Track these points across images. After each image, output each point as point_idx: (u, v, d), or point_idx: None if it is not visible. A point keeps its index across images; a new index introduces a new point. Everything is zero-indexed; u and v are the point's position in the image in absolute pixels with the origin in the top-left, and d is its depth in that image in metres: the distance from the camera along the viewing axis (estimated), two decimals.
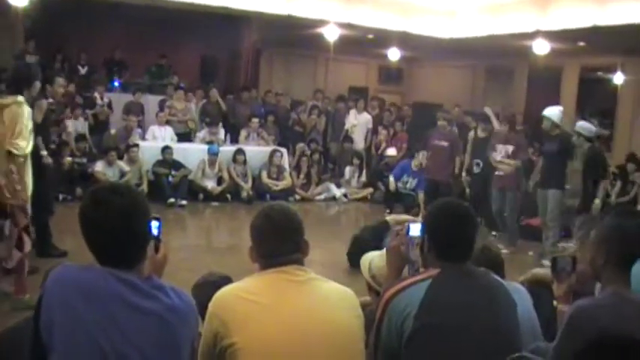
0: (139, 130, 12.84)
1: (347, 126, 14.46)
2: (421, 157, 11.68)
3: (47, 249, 7.05)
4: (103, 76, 15.35)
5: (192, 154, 12.23)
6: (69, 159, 10.87)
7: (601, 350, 1.69)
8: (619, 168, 11.62)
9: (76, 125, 12.26)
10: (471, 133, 10.95)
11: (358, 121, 14.39)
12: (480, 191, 10.14)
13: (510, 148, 9.53)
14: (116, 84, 15.04)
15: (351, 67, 18.39)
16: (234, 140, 13.40)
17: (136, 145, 11.57)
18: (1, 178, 5.47)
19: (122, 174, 11.11)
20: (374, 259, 3.48)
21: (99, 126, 13.13)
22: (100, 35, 15.93)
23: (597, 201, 8.26)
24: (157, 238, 2.46)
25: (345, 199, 13.23)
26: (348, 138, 14.23)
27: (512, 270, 3.95)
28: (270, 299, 2.36)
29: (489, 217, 9.87)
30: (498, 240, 9.78)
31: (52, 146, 9.21)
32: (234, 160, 12.34)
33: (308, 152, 13.58)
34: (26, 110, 5.58)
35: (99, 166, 11.06)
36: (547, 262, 7.69)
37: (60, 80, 8.38)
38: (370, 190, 13.48)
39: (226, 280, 3.23)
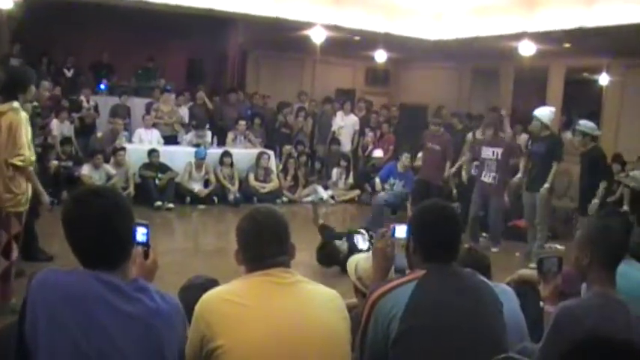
0: (126, 133, 12.79)
1: (334, 128, 14.46)
2: (404, 159, 11.73)
3: (33, 253, 6.99)
4: (90, 79, 15.31)
5: (178, 157, 12.19)
6: (55, 162, 10.82)
7: (587, 352, 1.69)
8: None
9: (61, 128, 12.19)
10: (469, 136, 10.93)
11: (345, 123, 14.39)
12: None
13: (499, 151, 9.52)
14: (102, 87, 14.98)
15: (337, 69, 18.39)
16: (221, 143, 13.38)
17: (123, 149, 11.52)
18: (1, 185, 5.32)
19: (109, 177, 11.05)
20: (360, 261, 3.49)
21: (85, 129, 13.07)
22: (86, 38, 15.86)
23: (595, 201, 8.20)
24: (146, 245, 2.47)
25: (332, 201, 13.24)
26: (335, 140, 14.24)
27: (499, 271, 3.96)
28: (257, 302, 2.35)
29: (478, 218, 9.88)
30: (487, 240, 9.80)
31: (38, 149, 9.14)
32: (221, 162, 12.33)
33: (295, 154, 13.58)
34: (23, 117, 5.39)
35: (85, 170, 10.99)
36: (534, 265, 7.73)
37: (45, 84, 8.31)
38: (357, 192, 13.50)
39: (213, 283, 3.22)
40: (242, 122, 13.47)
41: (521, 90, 15.94)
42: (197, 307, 2.36)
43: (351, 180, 13.71)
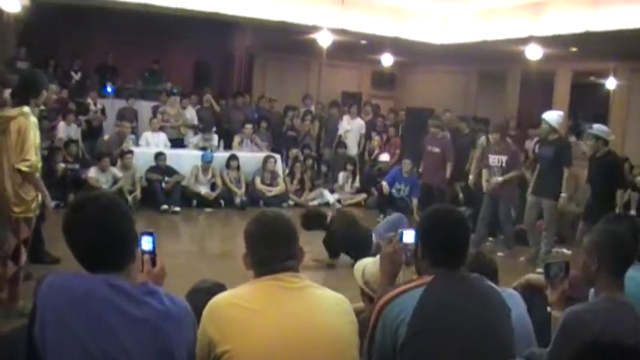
0: (133, 136, 12.80)
1: (340, 131, 14.45)
2: (405, 165, 11.77)
3: (40, 255, 7.00)
4: (96, 82, 15.33)
5: (185, 160, 12.19)
6: (62, 165, 10.83)
7: (595, 356, 1.69)
8: None
9: (68, 131, 12.22)
10: (482, 139, 10.82)
11: (351, 127, 14.38)
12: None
13: (504, 158, 9.48)
14: (109, 90, 15.01)
15: (344, 73, 18.42)
16: (228, 146, 13.39)
17: (130, 152, 11.50)
18: (10, 189, 5.31)
19: (115, 180, 11.04)
20: (367, 265, 3.48)
21: (92, 132, 13.10)
22: (93, 41, 15.91)
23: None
24: (153, 253, 2.50)
25: (338, 205, 13.23)
26: (342, 143, 14.23)
27: (505, 275, 3.95)
28: (265, 306, 2.35)
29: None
30: (495, 244, 9.77)
31: (44, 152, 9.17)
32: (228, 166, 12.33)
33: (301, 158, 13.58)
34: (32, 122, 5.35)
35: (92, 173, 10.98)
36: (541, 270, 7.69)
37: (52, 87, 8.27)
38: (364, 195, 13.47)
39: (220, 288, 3.22)
40: (249, 125, 13.47)
41: (527, 94, 15.92)
42: (205, 312, 2.36)
43: (357, 184, 13.70)
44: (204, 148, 12.53)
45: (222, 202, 12.01)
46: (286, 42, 14.98)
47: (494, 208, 9.43)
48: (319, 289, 2.51)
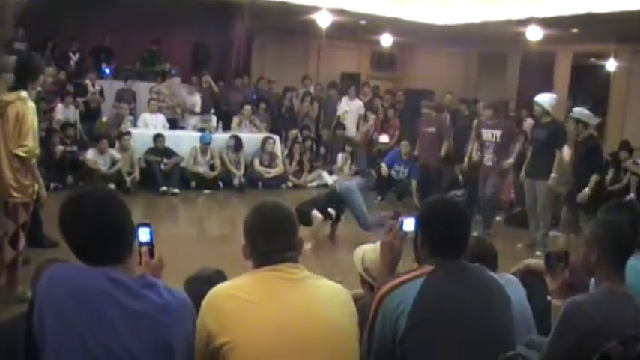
0: (131, 118, 12.74)
1: (339, 113, 14.37)
2: (403, 147, 11.76)
3: (38, 239, 6.97)
4: (91, 64, 15.24)
5: (184, 141, 12.15)
6: (60, 147, 10.80)
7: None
8: (612, 155, 11.57)
9: (66, 113, 12.15)
10: (476, 121, 10.79)
11: (350, 108, 14.30)
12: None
13: (498, 133, 9.47)
14: (107, 71, 14.93)
15: (343, 54, 18.34)
16: (227, 127, 13.33)
17: (128, 133, 11.45)
18: (9, 174, 5.29)
19: (113, 162, 11.01)
20: (367, 251, 3.46)
21: (90, 113, 13.04)
22: (91, 23, 15.76)
23: (586, 191, 7.74)
24: (151, 244, 2.49)
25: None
26: (340, 125, 14.15)
27: (504, 259, 3.92)
28: (264, 298, 2.34)
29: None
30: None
31: (42, 134, 9.12)
32: (229, 147, 12.29)
33: (300, 139, 13.55)
34: (31, 107, 5.29)
35: (90, 155, 10.94)
36: (539, 253, 7.67)
37: (49, 69, 8.20)
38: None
39: (220, 276, 3.21)
40: (247, 107, 13.42)
41: (528, 75, 15.89)
42: (204, 303, 2.35)
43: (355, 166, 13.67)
44: (202, 130, 12.49)
45: (220, 183, 12.00)
46: (285, 23, 14.91)
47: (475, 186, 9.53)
48: (319, 280, 2.50)
